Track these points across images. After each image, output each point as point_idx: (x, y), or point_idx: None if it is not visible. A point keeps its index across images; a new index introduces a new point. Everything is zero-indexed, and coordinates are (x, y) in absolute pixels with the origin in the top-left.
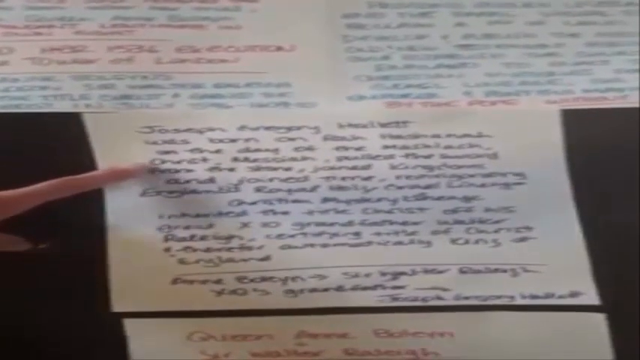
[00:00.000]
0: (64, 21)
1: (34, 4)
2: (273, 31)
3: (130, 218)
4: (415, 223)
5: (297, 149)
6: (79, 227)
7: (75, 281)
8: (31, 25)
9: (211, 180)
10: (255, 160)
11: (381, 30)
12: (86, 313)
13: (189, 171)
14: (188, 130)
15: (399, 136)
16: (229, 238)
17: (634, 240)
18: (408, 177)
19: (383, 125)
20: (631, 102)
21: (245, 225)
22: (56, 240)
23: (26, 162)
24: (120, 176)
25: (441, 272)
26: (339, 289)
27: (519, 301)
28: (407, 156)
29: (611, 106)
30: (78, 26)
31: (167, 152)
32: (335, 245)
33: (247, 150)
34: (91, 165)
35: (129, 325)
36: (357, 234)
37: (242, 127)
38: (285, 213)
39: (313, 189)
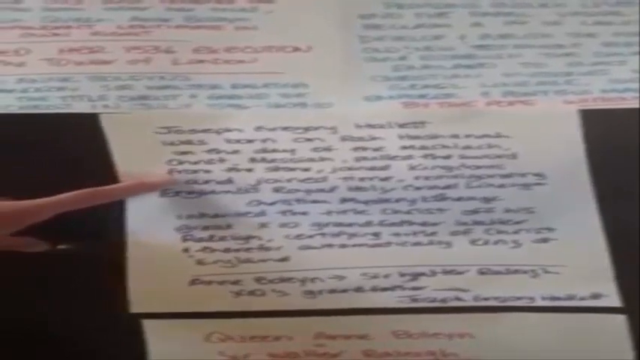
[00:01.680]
0: (81, 22)
1: (51, 5)
2: (289, 32)
3: (148, 218)
4: (434, 224)
5: (314, 149)
6: (98, 227)
7: (93, 282)
8: (49, 26)
9: (229, 180)
10: (272, 161)
11: (398, 30)
12: (105, 314)
13: (207, 171)
14: (205, 130)
15: (417, 137)
16: (248, 238)
17: None
18: (426, 177)
19: (401, 126)
20: None
21: (264, 225)
22: (75, 241)
23: (44, 162)
24: (146, 189)
25: (460, 273)
26: (358, 289)
27: (539, 303)
28: (425, 156)
29: (630, 107)
30: (95, 27)
31: (184, 153)
32: (354, 246)
33: (265, 150)
34: (109, 166)
35: (147, 325)
36: (375, 234)
37: (259, 128)
38: (304, 213)
39: (332, 189)
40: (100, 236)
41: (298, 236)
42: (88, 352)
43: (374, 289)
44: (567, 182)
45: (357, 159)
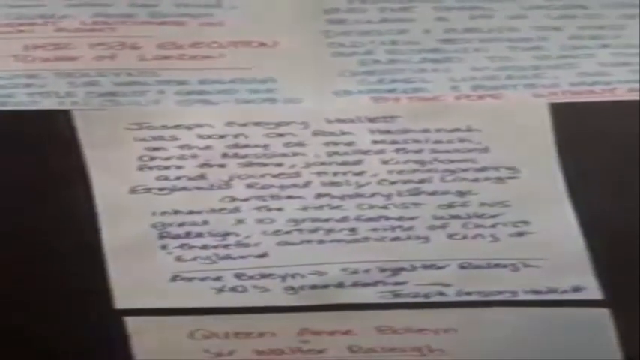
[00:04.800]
0: (46, 18)
1: (13, 2)
2: (254, 27)
3: (121, 216)
4: (411, 219)
5: (286, 145)
6: (70, 227)
7: (72, 281)
8: (13, 23)
9: (202, 176)
10: (245, 157)
11: (363, 25)
12: (86, 312)
13: (178, 167)
14: (176, 126)
15: (388, 131)
16: (225, 235)
17: (632, 230)
18: (400, 172)
19: (371, 120)
20: (619, 95)
21: (240, 222)
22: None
23: (13, 159)
24: None
25: (440, 268)
26: (340, 285)
27: (522, 297)
28: (397, 151)
29: (600, 100)
30: (59, 23)
31: (156, 149)
32: (332, 241)
33: (237, 146)
34: (78, 162)
35: (131, 323)
36: (353, 230)
37: (230, 124)
38: (279, 209)
39: (306, 185)
40: (75, 233)
41: (275, 232)
42: (70, 351)
43: (355, 285)
44: (540, 175)
45: (330, 154)
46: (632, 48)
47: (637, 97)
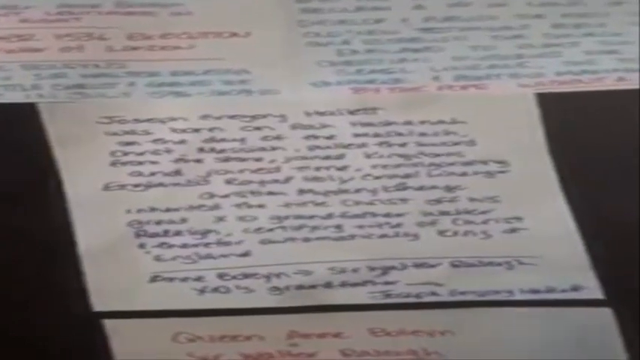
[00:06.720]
0: (8, 9)
1: None
2: (225, 17)
3: (95, 214)
4: (399, 215)
5: (264, 138)
6: (43, 226)
7: (48, 284)
8: None
9: (178, 172)
10: (222, 151)
11: (338, 14)
12: (63, 315)
13: (153, 163)
14: (149, 120)
15: (369, 124)
16: (205, 233)
17: (630, 223)
18: (384, 166)
19: (351, 112)
20: (608, 85)
21: (220, 219)
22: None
23: None
24: None
25: (432, 266)
26: (327, 285)
27: (519, 296)
28: (380, 144)
29: (588, 89)
30: (22, 14)
31: (129, 143)
32: (317, 239)
33: (213, 140)
34: (47, 158)
35: (110, 326)
36: (338, 227)
37: (205, 117)
38: (261, 206)
39: (287, 180)
40: (47, 236)
41: (258, 230)
42: (47, 356)
43: (343, 285)
44: (530, 169)
45: (310, 148)
46: (617, 36)
47: (626, 87)
